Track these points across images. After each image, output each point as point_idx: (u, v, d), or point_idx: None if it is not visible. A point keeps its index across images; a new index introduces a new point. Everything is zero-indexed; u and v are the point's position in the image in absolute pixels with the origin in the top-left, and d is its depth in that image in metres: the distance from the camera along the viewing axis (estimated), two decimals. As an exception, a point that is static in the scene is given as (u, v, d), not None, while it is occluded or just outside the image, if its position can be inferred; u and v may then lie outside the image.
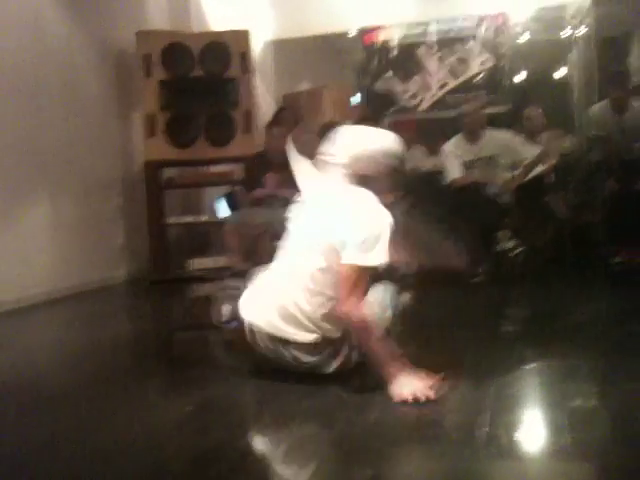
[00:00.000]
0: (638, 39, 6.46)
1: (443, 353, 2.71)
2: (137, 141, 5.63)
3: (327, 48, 7.64)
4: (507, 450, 1.70)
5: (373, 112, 6.37)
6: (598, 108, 5.14)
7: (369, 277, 2.26)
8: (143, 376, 2.74)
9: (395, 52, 6.65)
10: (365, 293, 2.25)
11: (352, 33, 6.88)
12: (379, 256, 2.20)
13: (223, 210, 5.50)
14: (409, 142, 5.74)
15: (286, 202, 4.75)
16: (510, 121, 5.71)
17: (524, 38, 7.27)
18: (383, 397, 2.11)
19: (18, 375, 2.79)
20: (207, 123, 5.46)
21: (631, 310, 3.44)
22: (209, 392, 2.39)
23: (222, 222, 5.20)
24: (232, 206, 5.40)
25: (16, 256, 4.35)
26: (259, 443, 1.98)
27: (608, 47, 6.44)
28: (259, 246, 4.98)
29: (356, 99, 7.24)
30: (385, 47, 6.69)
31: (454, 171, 4.56)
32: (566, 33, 6.64)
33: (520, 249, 4.15)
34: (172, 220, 5.58)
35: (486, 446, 1.71)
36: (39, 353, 3.28)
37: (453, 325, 3.31)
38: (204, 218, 5.74)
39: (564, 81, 7.03)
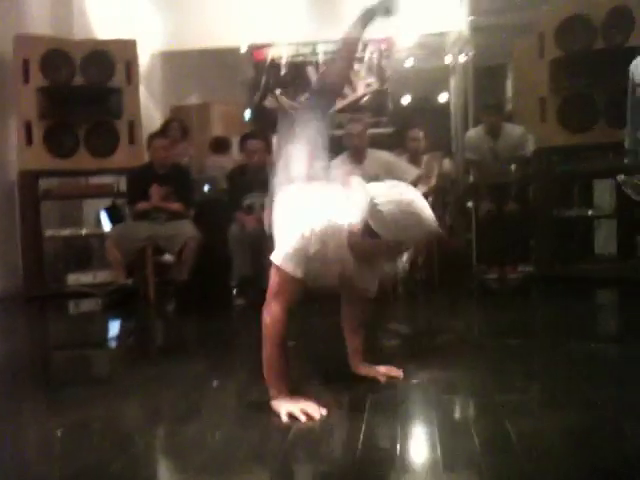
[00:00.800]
0: (511, 69, 6.89)
1: (322, 370, 2.75)
2: (13, 150, 5.34)
3: (217, 63, 7.61)
4: (380, 465, 1.73)
5: (263, 128, 6.40)
6: (473, 133, 5.45)
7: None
8: (14, 398, 2.59)
9: (284, 70, 6.72)
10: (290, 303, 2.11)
11: (243, 49, 6.89)
12: (286, 264, 2.06)
13: (105, 223, 5.33)
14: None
15: (170, 215, 4.74)
16: (394, 142, 5.91)
17: (408, 63, 7.59)
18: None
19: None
20: (88, 133, 5.28)
21: (506, 323, 3.64)
22: (83, 413, 2.29)
23: (104, 235, 5.04)
24: (114, 219, 5.25)
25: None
26: (129, 467, 1.90)
27: (484, 75, 6.83)
28: (143, 260, 4.87)
29: (247, 114, 7.25)
30: (275, 65, 6.74)
31: (339, 189, 4.65)
32: (447, 60, 6.99)
33: (400, 267, 4.29)
34: (49, 233, 5.32)
35: (360, 461, 1.74)
36: None
37: (333, 339, 3.36)
38: (84, 231, 5.51)
39: (444, 106, 7.38)
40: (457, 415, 2.20)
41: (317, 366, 2.84)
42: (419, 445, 1.93)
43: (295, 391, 2.20)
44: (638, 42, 4.63)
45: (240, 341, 3.66)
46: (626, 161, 2.89)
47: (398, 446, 1.85)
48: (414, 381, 2.56)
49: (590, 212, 5.32)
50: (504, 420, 1.97)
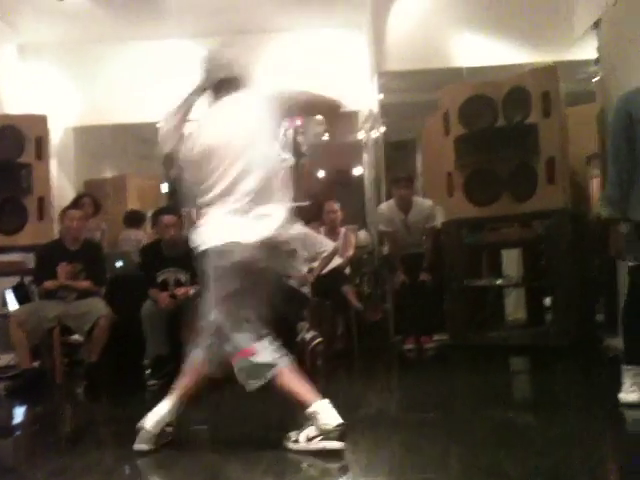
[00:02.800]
0: (419, 145, 7.20)
1: (242, 452, 2.67)
2: None
3: (133, 137, 7.59)
4: None
5: (177, 203, 6.37)
6: (385, 206, 5.61)
7: None
8: None
9: (200, 145, 6.76)
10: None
11: (159, 124, 6.89)
12: None
13: (11, 303, 5.08)
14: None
15: (80, 293, 4.57)
16: (311, 215, 6.00)
17: (323, 139, 7.80)
18: None
19: None
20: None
21: (423, 395, 3.66)
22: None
23: (7, 316, 4.79)
24: (21, 298, 5.02)
25: None
26: None
27: (395, 150, 7.09)
28: (50, 342, 4.65)
29: (164, 188, 7.21)
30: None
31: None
32: (360, 136, 7.24)
33: (318, 340, 4.29)
34: (-52, 313, 5.02)
35: None
36: None
37: (253, 420, 3.29)
38: (-15, 311, 5.23)
39: (359, 179, 7.59)
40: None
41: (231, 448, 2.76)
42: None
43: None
44: (535, 119, 4.95)
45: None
46: (603, 212, 3.00)
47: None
48: (335, 463, 2.51)
49: (499, 281, 5.51)
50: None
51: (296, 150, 6.75)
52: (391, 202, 5.52)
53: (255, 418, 3.34)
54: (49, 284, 4.60)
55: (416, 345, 5.13)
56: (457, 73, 6.16)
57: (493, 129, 5.14)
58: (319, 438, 2.48)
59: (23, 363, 4.47)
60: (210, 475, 2.45)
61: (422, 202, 5.50)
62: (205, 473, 2.48)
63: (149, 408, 3.98)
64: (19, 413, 4.18)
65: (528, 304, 5.77)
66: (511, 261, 5.98)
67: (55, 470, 2.56)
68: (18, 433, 3.67)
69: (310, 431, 2.51)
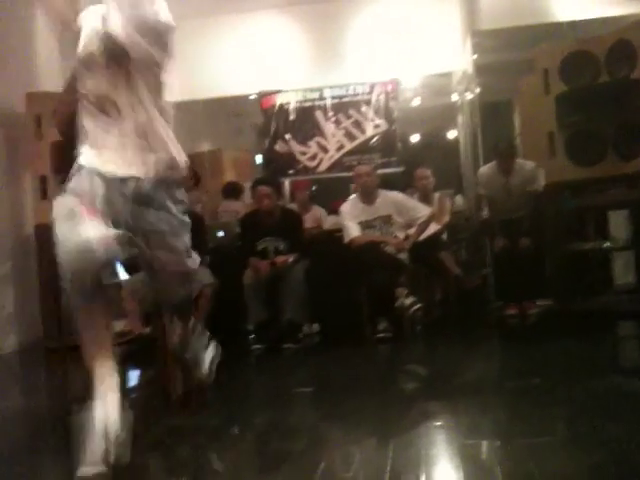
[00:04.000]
0: (517, 105, 6.95)
1: (347, 413, 2.72)
2: (28, 205, 5.43)
3: (227, 111, 7.74)
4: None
5: (273, 173, 6.48)
6: (486, 169, 5.45)
7: None
8: (35, 453, 2.58)
9: (293, 115, 6.82)
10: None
11: (251, 96, 7.01)
12: None
13: (122, 273, 5.35)
14: (308, 202, 5.92)
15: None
16: (403, 182, 5.95)
17: (415, 103, 7.68)
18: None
19: None
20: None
21: (527, 362, 3.59)
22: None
23: (120, 285, 5.06)
24: (130, 269, 5.27)
25: None
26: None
27: (491, 112, 6.88)
28: (159, 309, 4.87)
29: (258, 160, 7.33)
30: (283, 110, 6.85)
31: (352, 231, 4.68)
32: (454, 98, 7.07)
33: (417, 306, 4.27)
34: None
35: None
36: None
37: (356, 384, 3.34)
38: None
39: (453, 143, 7.44)
40: (482, 458, 2.16)
41: (336, 409, 2.82)
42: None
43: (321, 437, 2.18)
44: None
45: (258, 387, 3.64)
46: None
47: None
48: (436, 424, 2.53)
49: (606, 244, 5.28)
50: (529, 462, 1.94)
51: (387, 116, 6.68)
52: (492, 165, 5.36)
53: (358, 381, 3.39)
54: (156, 255, 4.81)
55: (518, 311, 5.01)
56: (556, 29, 5.87)
57: (596, 86, 4.88)
58: None
59: (136, 329, 4.72)
60: (314, 437, 2.52)
61: (524, 164, 5.31)
62: (309, 434, 2.55)
63: (253, 370, 4.16)
64: (133, 376, 4.42)
65: (638, 268, 5.50)
66: (619, 223, 5.70)
67: (167, 430, 2.71)
68: (133, 395, 3.90)
69: None
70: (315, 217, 5.78)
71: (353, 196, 4.84)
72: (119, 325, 5.00)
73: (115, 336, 4.84)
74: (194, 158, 7.27)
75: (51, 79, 5.90)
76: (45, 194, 5.18)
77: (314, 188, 6.33)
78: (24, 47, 5.71)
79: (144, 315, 4.79)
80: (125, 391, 3.86)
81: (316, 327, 4.90)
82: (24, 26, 5.70)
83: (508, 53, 6.68)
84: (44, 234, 5.17)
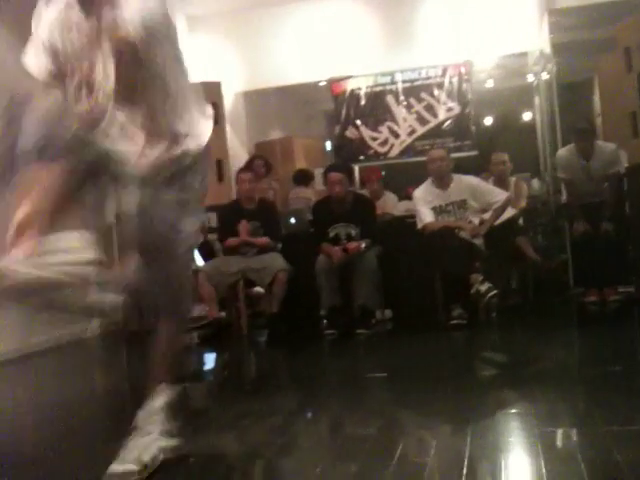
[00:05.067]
0: (596, 85, 6.69)
1: (422, 399, 2.71)
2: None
3: (297, 98, 7.79)
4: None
5: (345, 159, 6.47)
6: (565, 152, 5.27)
7: None
8: (118, 432, 2.68)
9: (363, 101, 6.79)
10: None
11: (321, 83, 7.02)
12: None
13: (197, 259, 5.48)
14: (380, 188, 5.89)
15: (259, 249, 4.85)
16: (478, 166, 5.83)
17: (489, 85, 7.50)
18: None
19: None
20: (180, 174, 5.47)
21: (608, 349, 3.48)
22: (186, 446, 2.34)
23: (196, 271, 5.19)
24: (206, 255, 5.40)
25: None
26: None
27: (569, 92, 6.65)
28: (234, 294, 4.98)
29: (328, 146, 7.34)
30: (353, 96, 6.82)
31: (425, 216, 4.63)
32: (529, 79, 6.87)
33: (493, 292, 4.19)
34: (145, 270, 5.52)
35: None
36: (10, 411, 3.18)
37: (430, 370, 3.32)
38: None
39: (529, 125, 7.23)
40: (561, 446, 2.11)
41: (411, 395, 2.81)
42: (525, 476, 1.87)
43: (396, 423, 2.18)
44: None
45: (332, 372, 3.66)
46: None
47: (503, 478, 1.80)
48: (513, 411, 2.49)
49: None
50: (612, 450, 1.88)
51: (461, 98, 6.55)
52: (571, 147, 5.17)
53: (432, 368, 3.36)
54: (231, 241, 4.91)
55: (599, 298, 4.84)
56: (636, 5, 5.59)
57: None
58: None
59: (212, 314, 4.84)
60: (389, 422, 2.52)
61: (605, 146, 5.11)
62: (382, 418, 2.55)
63: (326, 355, 4.20)
64: (209, 360, 4.55)
65: None
66: None
67: (242, 412, 2.75)
68: (209, 378, 4.01)
69: None
70: (386, 203, 5.74)
71: (426, 181, 4.78)
72: (195, 310, 5.14)
73: (192, 320, 5.02)
74: (265, 146, 7.40)
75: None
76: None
77: (384, 174, 6.28)
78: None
79: (219, 300, 4.90)
80: (202, 374, 4.00)
81: (388, 313, 4.89)
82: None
83: (587, 31, 6.45)
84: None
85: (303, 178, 6.74)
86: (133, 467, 1.90)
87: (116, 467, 1.90)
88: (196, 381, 3.81)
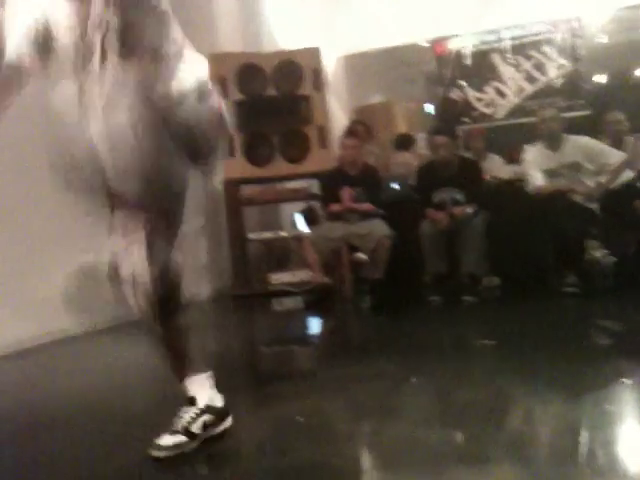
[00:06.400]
0: None
1: (533, 367, 2.64)
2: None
3: (397, 60, 7.64)
4: (607, 469, 1.63)
5: (447, 121, 6.32)
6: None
7: None
8: (228, 392, 2.77)
9: (468, 61, 6.58)
10: None
11: (422, 44, 6.85)
12: None
13: (301, 225, 5.56)
14: (484, 150, 5.71)
15: (362, 215, 4.84)
16: (591, 126, 5.53)
17: (602, 40, 7.05)
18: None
19: (99, 395, 2.76)
20: (282, 141, 5.54)
21: None
22: (290, 407, 2.40)
23: (300, 237, 5.26)
24: (310, 221, 5.46)
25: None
26: (349, 462, 1.95)
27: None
28: (338, 260, 5.02)
29: (429, 109, 7.18)
30: (457, 56, 6.63)
31: (537, 179, 4.45)
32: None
33: (609, 259, 3.99)
34: (252, 236, 5.68)
35: (586, 465, 1.65)
36: (123, 372, 3.23)
37: (542, 338, 3.22)
38: (283, 233, 5.81)
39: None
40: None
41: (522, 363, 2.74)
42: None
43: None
44: None
45: (437, 339, 3.63)
46: None
47: (621, 451, 1.73)
48: (629, 381, 2.38)
49: None
50: None
51: (572, 55, 6.21)
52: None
53: (543, 336, 3.26)
54: (335, 207, 4.93)
55: None
56: None
57: None
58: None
59: (316, 279, 4.90)
60: (497, 390, 2.47)
61: None
62: (492, 386, 2.50)
63: (431, 321, 4.16)
64: (315, 324, 4.62)
65: None
66: None
67: (349, 376, 2.79)
68: (316, 342, 4.08)
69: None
70: (491, 166, 5.56)
71: (537, 143, 4.58)
72: (300, 275, 5.23)
73: (297, 284, 5.12)
74: (365, 111, 7.32)
75: (232, 39, 6.15)
76: (231, 151, 5.46)
77: (489, 136, 6.08)
78: (206, 8, 5.98)
79: (323, 265, 4.95)
80: (307, 338, 4.08)
81: (496, 280, 4.76)
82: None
83: None
84: (231, 189, 5.51)
85: (404, 143, 6.63)
86: (183, 438, 1.91)
87: (166, 439, 1.91)
88: (302, 345, 3.89)
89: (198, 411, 1.96)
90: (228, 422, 2.03)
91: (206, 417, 1.96)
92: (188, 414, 1.95)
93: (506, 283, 4.72)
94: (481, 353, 3.15)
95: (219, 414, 2.00)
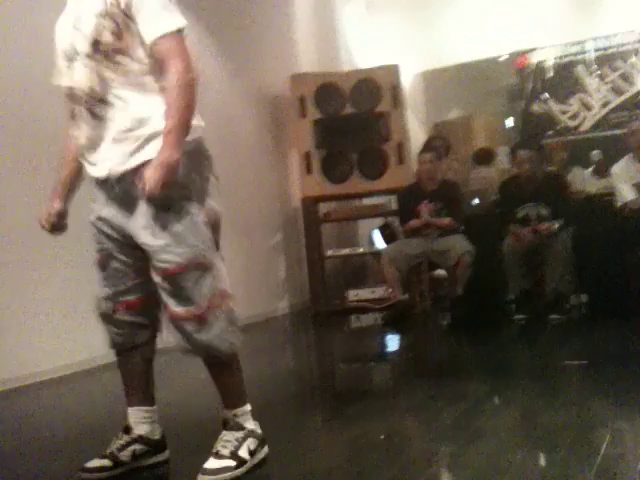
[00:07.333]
0: None
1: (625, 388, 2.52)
2: (294, 179, 5.85)
3: (476, 75, 7.54)
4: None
5: (530, 135, 6.18)
6: None
7: None
8: (306, 410, 2.78)
9: (550, 73, 6.43)
10: None
11: (502, 57, 6.74)
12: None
13: (379, 242, 5.54)
14: (567, 163, 5.53)
15: (442, 230, 4.77)
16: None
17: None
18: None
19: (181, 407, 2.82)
20: (359, 158, 5.56)
21: None
22: (368, 427, 2.36)
23: (378, 253, 5.24)
24: (388, 237, 5.44)
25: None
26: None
27: None
28: (417, 276, 4.96)
29: (509, 123, 7.05)
30: (539, 69, 6.48)
31: (627, 194, 4.27)
32: None
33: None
34: (330, 253, 5.70)
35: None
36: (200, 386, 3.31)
37: (634, 358, 3.07)
38: (360, 250, 5.80)
39: None
40: None
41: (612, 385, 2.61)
42: None
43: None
44: None
45: (523, 358, 3.52)
46: None
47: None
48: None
49: None
50: None
51: None
52: None
53: (637, 357, 3.11)
54: (413, 223, 4.88)
55: None
56: None
57: None
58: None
59: (395, 296, 4.86)
60: (586, 409, 2.37)
61: None
62: (582, 407, 2.40)
63: (516, 340, 4.03)
64: (394, 341, 4.57)
65: None
66: None
67: (430, 395, 2.73)
68: (394, 360, 4.03)
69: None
70: (574, 179, 5.39)
71: (626, 156, 4.41)
72: (378, 291, 5.20)
73: (375, 301, 5.08)
74: (444, 126, 7.26)
75: (310, 60, 6.25)
76: (309, 169, 5.54)
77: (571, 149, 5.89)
78: (286, 30, 6.10)
79: (403, 282, 4.90)
80: (386, 355, 4.03)
81: (584, 298, 4.57)
82: (284, 9, 6.08)
83: None
84: (309, 206, 5.57)
85: (484, 157, 6.53)
86: (230, 462, 1.84)
87: (212, 462, 1.85)
88: (380, 362, 3.85)
89: (243, 435, 1.92)
90: (266, 449, 1.99)
91: (250, 441, 1.92)
92: (234, 437, 1.90)
93: (595, 301, 4.53)
94: (568, 373, 3.03)
95: (262, 440, 1.97)
